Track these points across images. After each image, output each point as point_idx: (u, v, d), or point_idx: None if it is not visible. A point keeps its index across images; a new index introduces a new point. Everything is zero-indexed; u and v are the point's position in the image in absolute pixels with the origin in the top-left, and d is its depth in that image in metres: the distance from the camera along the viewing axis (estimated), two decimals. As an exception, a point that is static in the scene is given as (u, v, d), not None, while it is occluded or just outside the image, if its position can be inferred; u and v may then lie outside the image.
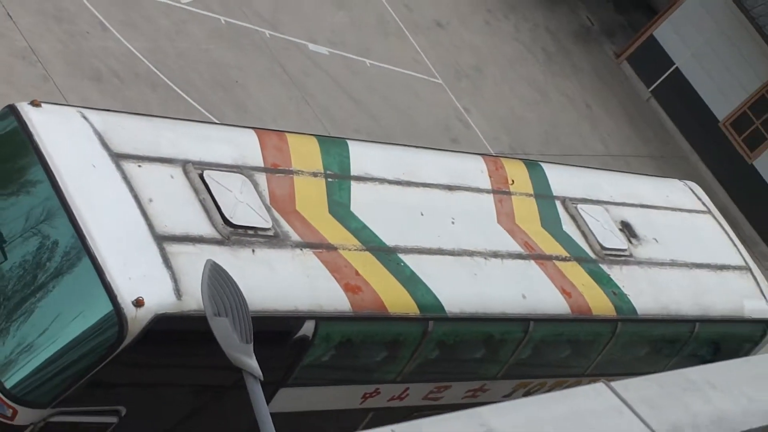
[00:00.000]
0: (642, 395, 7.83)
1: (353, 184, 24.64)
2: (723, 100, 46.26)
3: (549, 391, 27.79)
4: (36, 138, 21.07)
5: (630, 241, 28.48)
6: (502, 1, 46.25)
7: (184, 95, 33.04)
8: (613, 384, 7.88)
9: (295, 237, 22.80)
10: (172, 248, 20.65)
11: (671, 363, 29.56)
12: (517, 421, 7.54)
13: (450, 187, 26.47)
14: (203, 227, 21.47)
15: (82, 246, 20.10)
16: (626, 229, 28.72)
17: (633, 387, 7.96)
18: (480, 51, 43.47)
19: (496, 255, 25.90)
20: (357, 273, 22.98)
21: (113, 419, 21.16)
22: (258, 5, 37.67)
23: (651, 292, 27.96)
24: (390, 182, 25.27)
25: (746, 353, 30.80)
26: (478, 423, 7.20)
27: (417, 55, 41.12)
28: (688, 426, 8.18)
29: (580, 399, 8.24)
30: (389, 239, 24.12)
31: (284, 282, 22.00)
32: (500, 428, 7.13)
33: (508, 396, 27.23)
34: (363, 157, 25.30)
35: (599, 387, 7.90)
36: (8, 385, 19.88)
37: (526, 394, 27.48)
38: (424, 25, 42.31)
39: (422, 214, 25.16)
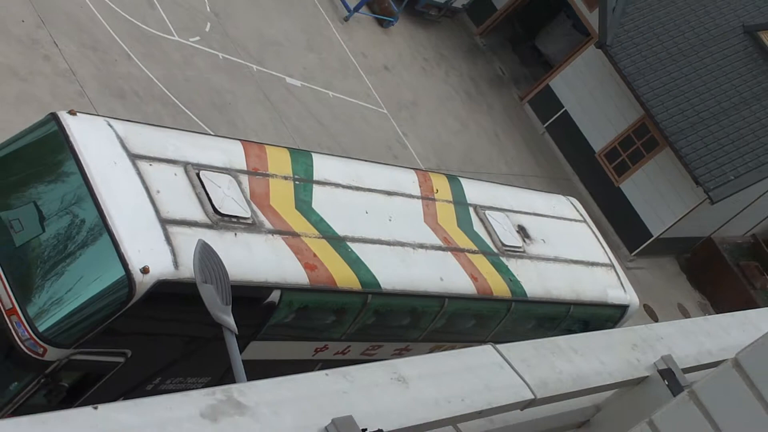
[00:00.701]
0: (520, 355, 8.89)
1: (315, 187, 26.09)
2: (599, 137, 46.61)
3: (463, 355, 29.65)
4: (71, 139, 22.26)
5: (524, 241, 30.01)
6: (436, 54, 46.37)
7: (188, 112, 33.65)
8: (498, 346, 8.99)
9: (268, 225, 23.98)
10: (172, 229, 21.86)
11: (551, 335, 31.39)
12: (422, 371, 8.04)
13: (389, 193, 27.95)
14: (197, 214, 22.66)
15: (103, 224, 21.35)
16: (521, 231, 30.27)
17: (513, 349, 8.84)
18: (417, 90, 43.78)
19: (421, 246, 27.41)
20: (314, 255, 24.41)
21: (121, 359, 22.41)
22: (248, 45, 38.03)
23: (538, 280, 29.45)
24: (343, 187, 26.72)
25: (607, 328, 32.78)
26: (392, 371, 7.94)
27: (369, 90, 41.46)
28: (553, 380, 8.64)
29: (472, 356, 8.80)
30: (340, 230, 25.34)
31: (258, 259, 23.22)
32: (408, 374, 8.25)
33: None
34: (323, 166, 26.77)
35: (487, 348, 8.88)
36: (41, 329, 21.18)
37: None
38: (375, 68, 42.65)
39: (366, 212, 26.56)
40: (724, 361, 9.47)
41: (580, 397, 9.33)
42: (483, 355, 8.49)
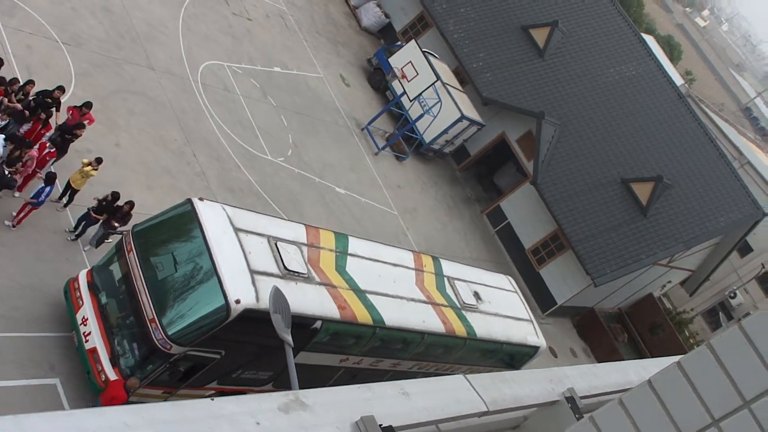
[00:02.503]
0: (480, 382, 8.90)
1: (348, 257, 26.62)
2: (528, 239, 46.23)
3: (431, 369, 29.69)
4: (199, 216, 22.97)
5: (477, 301, 30.74)
6: (430, 180, 46.57)
7: (273, 204, 33.80)
8: (467, 376, 9.12)
9: (317, 279, 24.50)
10: (257, 277, 22.53)
11: (491, 362, 31.58)
12: (418, 389, 8.08)
13: (394, 264, 28.48)
14: (273, 269, 23.35)
15: (214, 270, 22.10)
16: (476, 295, 30.91)
17: (476, 378, 8.92)
18: (417, 202, 43.98)
19: (412, 300, 28.05)
20: (344, 300, 24.94)
21: (218, 356, 22.92)
22: (313, 165, 38.15)
23: (484, 327, 30.19)
24: (366, 258, 27.23)
25: (526, 362, 32.84)
26: (399, 388, 7.95)
27: (387, 199, 41.60)
28: (500, 399, 8.77)
29: (450, 381, 8.81)
30: (362, 286, 26.02)
31: (309, 300, 23.71)
32: (410, 391, 7.97)
33: (411, 369, 29.00)
34: (355, 244, 27.41)
35: (459, 377, 9.03)
36: (169, 333, 21.86)
37: (420, 369, 29.21)
38: (391, 185, 42.59)
39: (379, 276, 27.10)
40: (610, 394, 9.79)
41: (515, 411, 9.46)
42: (457, 381, 8.76)
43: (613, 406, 6.43)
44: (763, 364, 5.81)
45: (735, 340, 5.97)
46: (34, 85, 26.47)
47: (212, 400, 6.11)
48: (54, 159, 25.99)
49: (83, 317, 23.31)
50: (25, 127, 26.07)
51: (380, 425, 6.93)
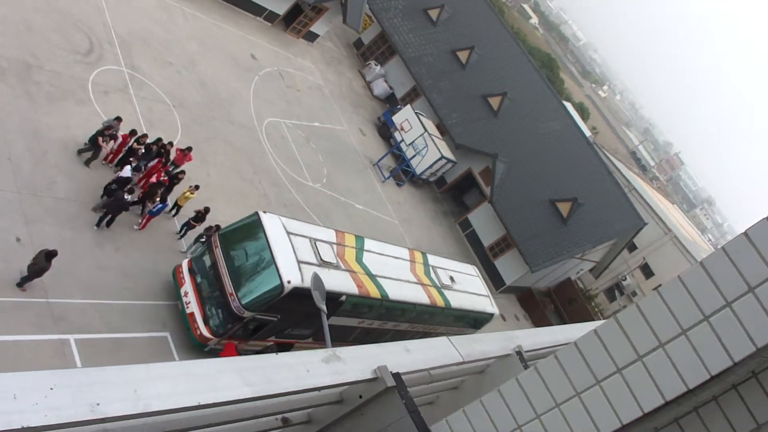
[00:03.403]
0: (458, 342, 8.76)
1: (364, 252, 26.32)
2: (486, 239, 46.12)
3: (422, 330, 29.04)
4: (263, 223, 22.89)
5: (452, 282, 30.14)
6: (420, 200, 46.34)
7: (313, 215, 33.50)
8: (450, 338, 9.10)
9: (342, 267, 24.25)
10: (302, 266, 22.32)
11: (461, 324, 31.20)
12: (415, 347, 7.95)
13: (395, 257, 28.16)
14: (313, 260, 23.11)
15: (273, 261, 21.97)
16: (451, 278, 30.36)
17: (455, 339, 8.77)
18: (411, 214, 43.47)
19: (407, 281, 27.64)
20: (361, 281, 24.66)
21: (275, 319, 22.69)
22: (340, 188, 37.91)
23: (457, 300, 29.61)
24: (376, 253, 26.93)
25: (485, 324, 32.43)
26: (404, 346, 7.79)
27: (390, 212, 41.34)
28: (471, 353, 8.64)
29: (438, 342, 8.81)
30: (374, 271, 25.70)
31: (337, 281, 23.50)
32: (410, 348, 8.01)
33: (406, 329, 28.48)
34: (369, 243, 27.05)
35: (444, 339, 9.06)
36: (242, 302, 21.84)
37: (412, 328, 28.58)
38: (394, 202, 42.45)
39: (385, 265, 26.80)
40: (545, 349, 9.74)
41: (481, 362, 9.22)
42: (442, 341, 8.57)
43: (551, 360, 6.39)
44: (651, 331, 5.87)
45: (631, 314, 6.03)
46: (147, 136, 26.58)
47: (276, 354, 6.14)
48: (166, 185, 26.14)
49: (185, 291, 23.41)
50: (151, 164, 26.37)
51: (391, 372, 6.89)
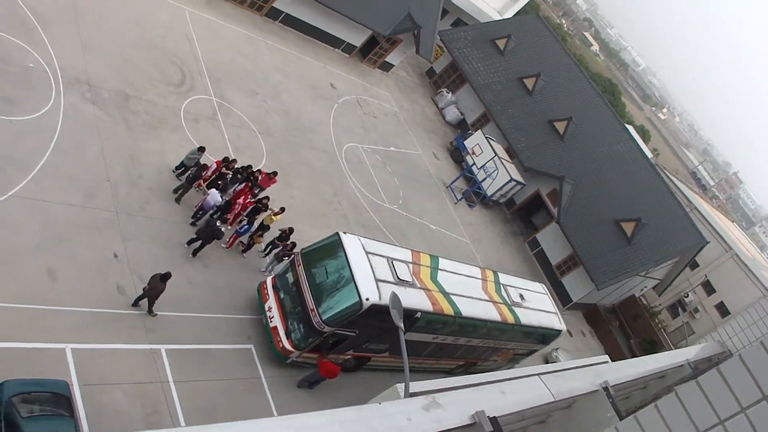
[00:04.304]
0: (548, 379, 8.76)
1: (438, 271, 25.68)
2: (554, 258, 45.25)
3: (491, 344, 28.48)
4: (343, 243, 22.60)
5: (522, 300, 29.21)
6: (489, 220, 45.58)
7: (389, 235, 33.09)
8: (541, 376, 8.84)
9: (418, 285, 23.73)
10: (380, 284, 21.93)
11: (530, 340, 30.27)
12: (510, 388, 8.25)
13: (468, 276, 27.42)
14: (390, 278, 22.68)
15: (353, 279, 21.63)
16: (521, 296, 29.42)
17: (546, 377, 8.87)
18: (482, 233, 42.52)
19: (479, 299, 26.86)
20: (436, 299, 24.06)
21: (354, 334, 22.27)
22: (415, 210, 37.47)
23: (526, 317, 28.58)
24: (450, 272, 26.20)
25: (553, 340, 31.43)
26: (499, 389, 8.01)
27: (462, 232, 40.59)
28: (560, 391, 8.36)
29: (530, 383, 8.77)
30: (448, 289, 25.03)
31: (413, 299, 22.96)
32: (506, 390, 8.13)
33: (478, 346, 27.96)
34: (443, 263, 26.37)
35: (536, 379, 8.87)
36: (323, 318, 21.51)
37: (484, 344, 28.02)
38: (465, 223, 41.66)
39: (458, 283, 26.08)
40: (630, 383, 9.24)
41: (570, 397, 8.68)
42: (535, 382, 8.19)
43: (651, 410, 5.87)
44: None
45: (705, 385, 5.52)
46: (236, 161, 26.60)
47: (380, 404, 5.83)
48: (251, 206, 26.07)
49: (269, 307, 23.26)
50: (238, 187, 26.41)
51: (488, 416, 6.65)
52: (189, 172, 25.07)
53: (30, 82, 23.18)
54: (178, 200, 24.78)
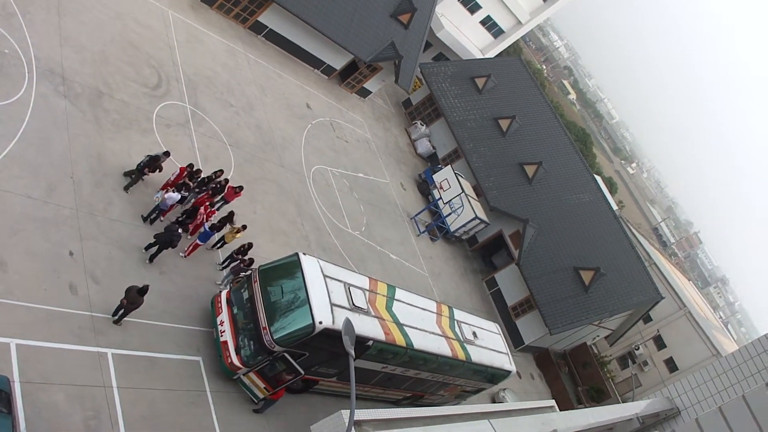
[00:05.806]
0: (499, 426, 8.51)
1: (394, 301, 25.77)
2: (510, 299, 45.55)
3: (440, 379, 28.48)
4: (302, 264, 22.68)
5: (474, 338, 29.39)
6: (450, 255, 45.70)
7: (349, 260, 33.09)
8: (491, 421, 8.56)
9: (373, 313, 23.82)
10: (334, 308, 22.01)
11: (479, 378, 30.35)
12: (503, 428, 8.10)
13: (423, 309, 27.50)
14: (346, 304, 22.76)
15: (307, 301, 21.70)
16: (473, 334, 29.60)
17: (497, 422, 8.60)
18: (442, 268, 42.71)
19: (432, 333, 26.94)
20: (389, 328, 24.13)
21: (305, 354, 22.08)
22: (377, 238, 37.57)
23: (477, 355, 28.73)
24: (405, 303, 26.31)
25: (502, 380, 31.64)
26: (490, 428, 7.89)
27: (422, 265, 40.66)
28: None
29: (475, 426, 8.52)
30: (401, 320, 25.12)
31: (367, 327, 23.04)
32: (498, 428, 7.99)
33: (427, 379, 27.96)
34: (399, 293, 26.46)
35: (485, 422, 8.57)
36: (275, 338, 21.49)
37: (433, 378, 28.06)
38: (426, 256, 41.81)
39: (413, 315, 26.18)
40: None
41: None
42: (484, 426, 8.09)
43: None
44: None
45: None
46: (201, 172, 26.31)
47: None
48: (214, 215, 26.00)
49: (221, 320, 23.10)
50: (199, 196, 26.16)
51: None
52: (141, 161, 24.71)
53: (2, 68, 22.92)
54: (127, 188, 24.27)
